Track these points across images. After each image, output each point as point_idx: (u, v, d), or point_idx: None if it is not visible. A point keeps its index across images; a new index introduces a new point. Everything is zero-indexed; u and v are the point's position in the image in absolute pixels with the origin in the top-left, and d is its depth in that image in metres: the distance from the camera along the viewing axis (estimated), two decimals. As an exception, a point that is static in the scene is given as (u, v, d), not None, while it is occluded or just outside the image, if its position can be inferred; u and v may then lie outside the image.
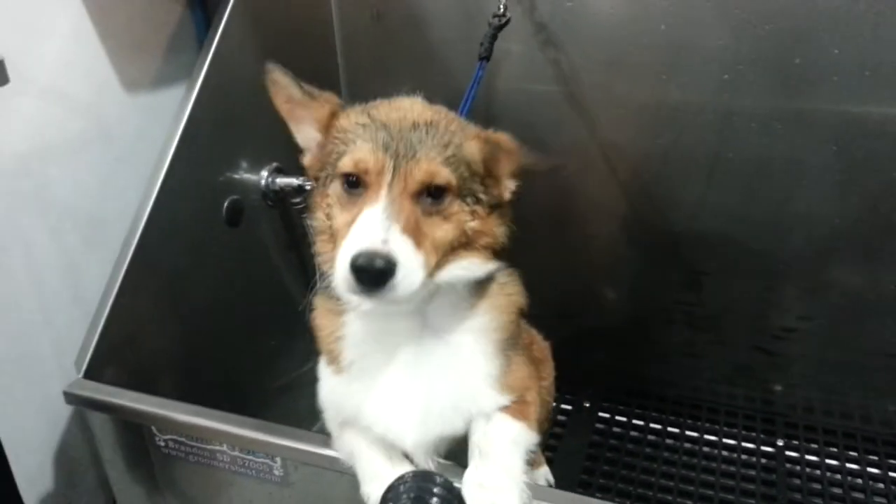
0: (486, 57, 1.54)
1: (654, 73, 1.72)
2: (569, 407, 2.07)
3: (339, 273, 0.92)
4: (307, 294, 1.15)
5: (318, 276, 1.08)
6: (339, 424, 1.14)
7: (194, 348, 1.65)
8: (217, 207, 1.67)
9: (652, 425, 1.99)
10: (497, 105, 1.86)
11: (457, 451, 1.11)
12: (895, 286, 1.76)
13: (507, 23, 1.57)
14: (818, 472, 1.83)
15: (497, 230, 1.06)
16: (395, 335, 1.07)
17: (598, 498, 1.18)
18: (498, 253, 1.07)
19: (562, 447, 1.93)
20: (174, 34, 1.72)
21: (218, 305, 1.70)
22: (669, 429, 1.98)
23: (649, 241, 1.92)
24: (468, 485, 1.02)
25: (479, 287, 1.09)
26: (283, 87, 1.09)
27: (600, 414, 2.05)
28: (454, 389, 1.07)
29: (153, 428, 1.32)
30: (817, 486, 1.79)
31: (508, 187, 1.07)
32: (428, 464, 1.09)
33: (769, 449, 1.90)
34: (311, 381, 1.19)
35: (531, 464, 1.10)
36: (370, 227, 0.92)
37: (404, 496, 0.98)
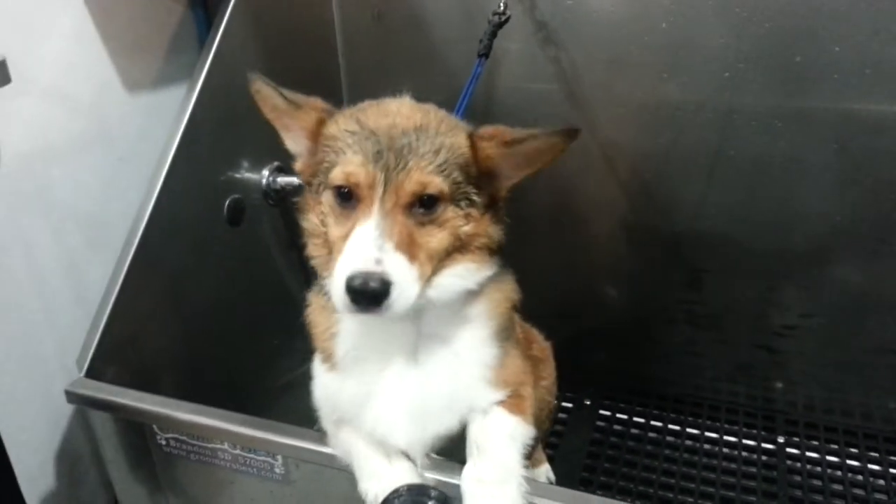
0: (485, 54, 1.55)
1: (654, 72, 1.72)
2: (570, 405, 2.07)
3: (336, 293, 0.93)
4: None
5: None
6: (334, 422, 1.14)
7: (196, 347, 1.66)
8: (218, 207, 1.68)
9: (653, 423, 2.00)
10: (497, 104, 1.86)
11: (453, 449, 1.11)
12: (896, 284, 1.76)
13: (506, 20, 1.57)
14: (819, 469, 1.83)
15: (492, 230, 1.05)
16: (389, 332, 1.07)
17: (599, 495, 1.18)
18: (494, 251, 1.07)
19: (563, 445, 1.93)
20: (175, 34, 1.72)
21: (219, 304, 1.71)
22: (670, 426, 1.98)
23: (650, 239, 1.92)
24: (467, 481, 1.03)
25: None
26: (266, 96, 1.08)
27: (601, 412, 2.05)
28: (449, 385, 1.07)
29: (154, 427, 1.32)
30: (818, 483, 1.79)
31: (505, 185, 1.06)
32: (424, 461, 1.08)
33: (770, 446, 1.90)
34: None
35: (529, 458, 1.10)
36: (363, 245, 0.92)
37: None
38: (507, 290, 1.13)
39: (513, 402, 1.10)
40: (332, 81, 1.98)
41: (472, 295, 1.07)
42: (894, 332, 1.81)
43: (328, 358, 1.12)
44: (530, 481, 1.05)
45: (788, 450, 1.89)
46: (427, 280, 0.97)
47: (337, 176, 0.98)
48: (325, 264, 1.04)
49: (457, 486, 1.04)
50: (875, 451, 1.87)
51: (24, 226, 1.44)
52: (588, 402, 2.08)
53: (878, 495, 1.75)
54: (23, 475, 1.26)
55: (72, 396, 1.35)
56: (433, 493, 1.02)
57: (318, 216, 1.05)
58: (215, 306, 1.70)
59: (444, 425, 1.08)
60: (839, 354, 1.89)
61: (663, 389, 2.08)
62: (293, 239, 1.91)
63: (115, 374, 1.42)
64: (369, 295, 0.90)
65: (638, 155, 1.83)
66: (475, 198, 1.02)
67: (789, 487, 1.77)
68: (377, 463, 1.08)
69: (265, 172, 1.76)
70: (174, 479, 1.39)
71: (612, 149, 1.83)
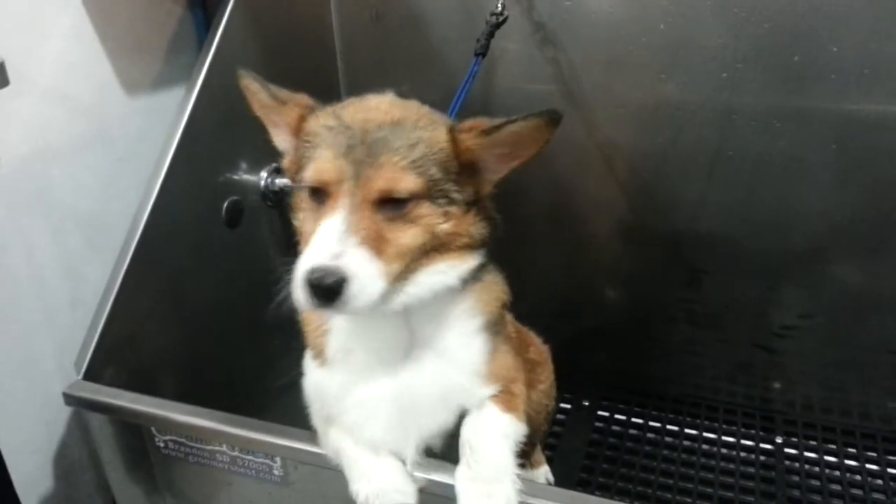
0: (482, 53, 1.54)
1: (653, 72, 1.72)
2: (568, 405, 2.07)
3: (295, 288, 0.91)
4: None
5: None
6: (324, 419, 1.13)
7: (195, 349, 1.66)
8: (217, 208, 1.67)
9: (651, 423, 2.00)
10: (495, 104, 1.86)
11: (445, 450, 1.11)
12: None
13: (504, 20, 1.57)
14: (817, 469, 1.83)
15: (473, 229, 1.01)
16: (380, 330, 1.06)
17: (597, 496, 1.18)
18: (478, 247, 1.03)
19: (561, 446, 1.93)
20: (175, 35, 1.72)
21: (218, 305, 1.71)
22: (669, 427, 1.98)
23: (650, 239, 1.92)
24: (460, 481, 1.02)
25: (464, 283, 1.08)
26: (254, 92, 1.08)
27: (600, 412, 2.05)
28: (439, 381, 1.06)
29: (152, 429, 1.32)
30: (816, 482, 1.79)
31: (489, 179, 1.03)
32: (414, 460, 1.08)
33: (768, 446, 1.90)
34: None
35: (528, 458, 1.10)
36: (325, 241, 0.91)
37: None
38: (497, 289, 1.12)
39: (504, 400, 1.09)
40: (331, 82, 1.98)
41: (461, 293, 1.06)
42: (894, 331, 1.81)
43: (319, 354, 1.12)
44: (528, 482, 1.05)
45: (787, 450, 1.89)
46: (397, 277, 0.95)
47: (309, 171, 0.97)
48: None
49: (450, 487, 1.04)
50: (873, 451, 1.87)
51: (23, 226, 1.44)
52: (586, 403, 2.08)
53: (876, 495, 1.75)
54: (19, 477, 1.26)
55: (69, 399, 1.35)
56: None
57: (302, 213, 1.04)
58: (214, 307, 1.70)
59: (435, 422, 1.07)
60: (838, 354, 1.89)
61: (662, 389, 2.08)
62: (291, 240, 1.91)
63: (114, 375, 1.42)
64: (324, 289, 0.88)
65: (637, 155, 1.83)
66: (455, 195, 0.98)
67: (787, 487, 1.77)
68: (367, 463, 1.08)
69: (263, 174, 1.76)
70: (172, 481, 1.39)
71: (611, 149, 1.83)
